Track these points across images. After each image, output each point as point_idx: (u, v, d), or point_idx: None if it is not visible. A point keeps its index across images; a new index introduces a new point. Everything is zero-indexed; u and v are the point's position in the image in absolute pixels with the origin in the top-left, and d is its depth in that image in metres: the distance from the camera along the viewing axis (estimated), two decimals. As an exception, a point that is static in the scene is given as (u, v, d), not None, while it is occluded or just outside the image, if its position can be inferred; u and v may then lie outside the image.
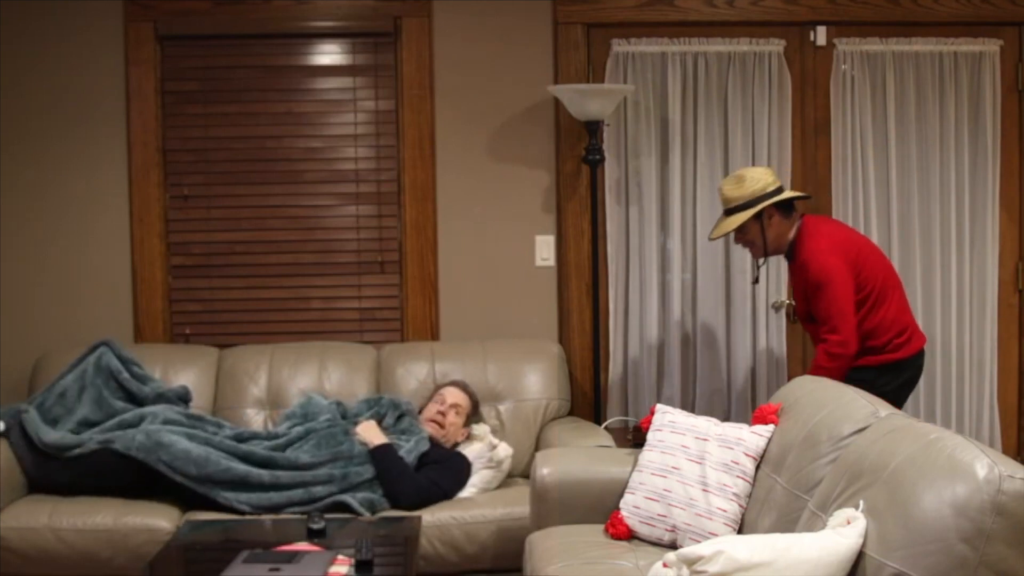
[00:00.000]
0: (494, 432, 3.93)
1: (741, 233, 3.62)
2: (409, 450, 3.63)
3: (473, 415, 3.90)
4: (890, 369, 3.54)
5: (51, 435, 3.58)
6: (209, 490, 3.47)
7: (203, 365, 4.11)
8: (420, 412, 3.90)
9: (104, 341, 3.89)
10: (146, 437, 3.49)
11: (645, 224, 4.35)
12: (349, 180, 4.36)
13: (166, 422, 3.61)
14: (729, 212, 3.59)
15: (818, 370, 3.42)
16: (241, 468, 3.49)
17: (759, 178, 3.55)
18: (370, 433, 3.69)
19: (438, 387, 3.96)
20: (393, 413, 3.85)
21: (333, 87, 4.34)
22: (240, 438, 3.66)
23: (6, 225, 4.27)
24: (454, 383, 3.95)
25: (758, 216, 3.55)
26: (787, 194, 3.58)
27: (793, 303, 4.36)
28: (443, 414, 3.81)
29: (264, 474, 3.50)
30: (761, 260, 3.76)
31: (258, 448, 3.59)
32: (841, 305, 3.45)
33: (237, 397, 4.04)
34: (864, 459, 2.32)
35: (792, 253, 3.61)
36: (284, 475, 3.50)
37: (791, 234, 3.60)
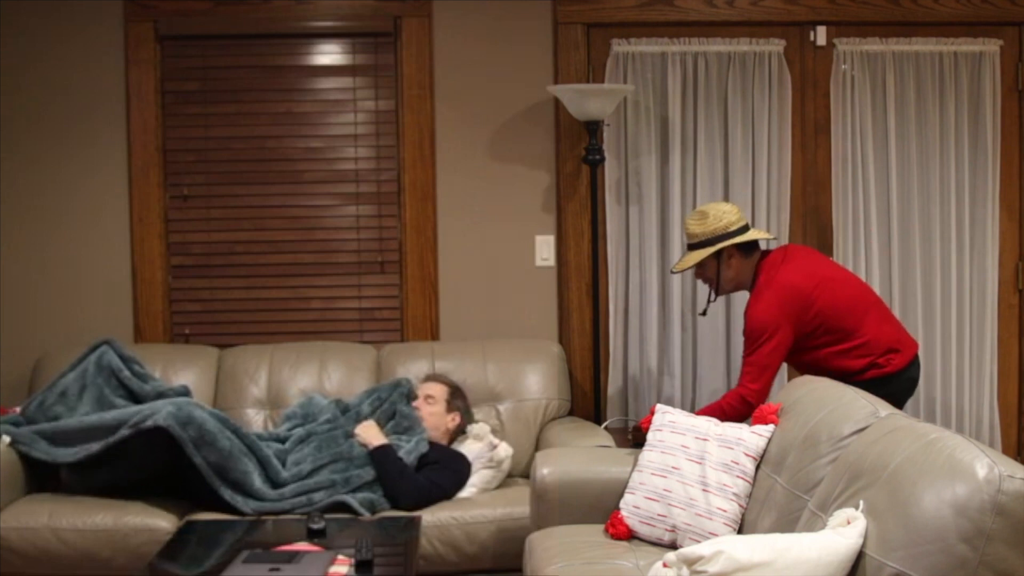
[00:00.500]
0: (494, 432, 3.94)
1: (701, 269, 3.58)
2: (409, 451, 3.63)
3: (454, 399, 3.89)
4: (878, 384, 3.41)
5: (66, 456, 3.56)
6: (218, 484, 3.44)
7: (203, 365, 4.11)
8: None
9: (105, 340, 3.88)
10: (177, 409, 3.44)
11: (645, 224, 4.35)
12: (349, 180, 4.36)
13: None
14: (691, 247, 3.55)
15: (720, 411, 3.35)
16: (256, 480, 3.47)
17: (722, 216, 3.48)
18: (369, 434, 3.69)
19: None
20: (397, 392, 3.84)
21: (333, 87, 4.34)
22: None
23: (6, 225, 4.27)
24: (426, 377, 3.97)
25: (718, 254, 3.51)
26: (749, 235, 3.50)
27: None
28: (418, 408, 3.83)
29: (271, 492, 3.49)
30: (712, 296, 3.68)
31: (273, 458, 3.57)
32: (768, 361, 3.39)
33: (237, 397, 4.04)
34: (864, 459, 2.32)
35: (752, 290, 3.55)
36: (288, 490, 3.50)
37: (751, 273, 3.54)
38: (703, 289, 4.34)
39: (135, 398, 3.79)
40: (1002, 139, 4.40)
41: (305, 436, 3.67)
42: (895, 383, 3.49)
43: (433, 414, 3.83)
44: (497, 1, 4.31)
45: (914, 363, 3.56)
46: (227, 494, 3.44)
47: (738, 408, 3.39)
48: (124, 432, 3.45)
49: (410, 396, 3.88)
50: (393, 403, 3.85)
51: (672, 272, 3.81)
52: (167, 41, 4.28)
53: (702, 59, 4.32)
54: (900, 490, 2.09)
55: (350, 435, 3.68)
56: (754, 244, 3.56)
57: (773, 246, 3.85)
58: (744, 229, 3.51)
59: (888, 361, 3.47)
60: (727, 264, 3.52)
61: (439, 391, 3.88)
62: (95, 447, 3.49)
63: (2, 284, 4.28)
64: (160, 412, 3.43)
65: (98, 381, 3.78)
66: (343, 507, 3.48)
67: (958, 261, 4.40)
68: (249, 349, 4.18)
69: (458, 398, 3.91)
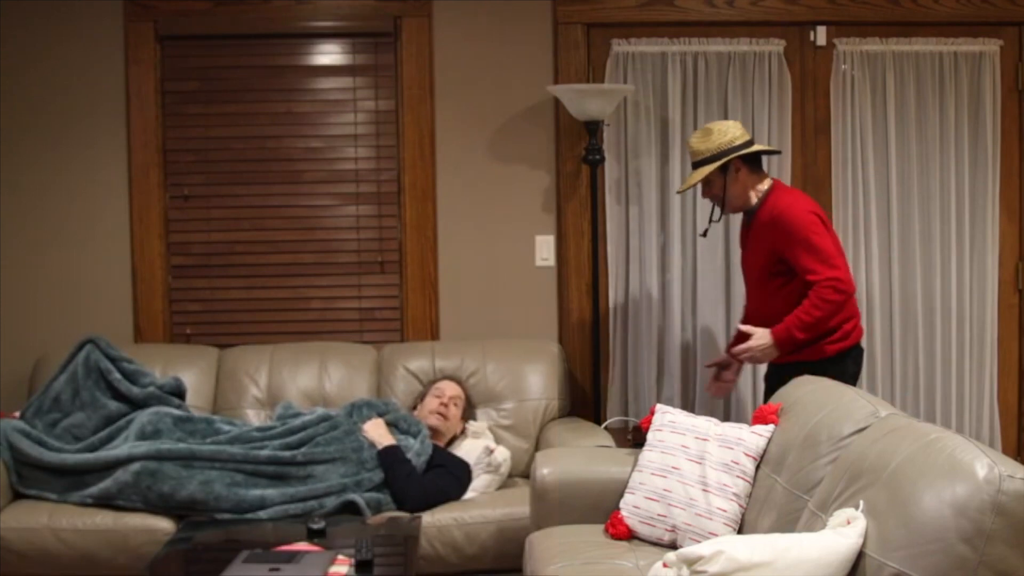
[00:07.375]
0: (492, 432, 3.94)
1: (707, 187, 3.56)
2: (418, 452, 3.62)
3: (469, 407, 3.94)
4: (833, 362, 3.40)
5: (69, 460, 3.56)
6: (225, 515, 3.44)
7: (203, 365, 4.11)
8: (414, 409, 3.91)
9: (89, 339, 3.86)
10: (135, 477, 3.42)
11: (645, 224, 4.35)
12: (349, 180, 4.36)
13: (155, 432, 3.58)
14: (696, 165, 3.53)
15: (814, 310, 3.27)
16: (256, 493, 3.44)
17: (726, 131, 3.49)
18: (378, 432, 3.67)
19: (431, 383, 3.97)
20: (368, 415, 3.80)
21: (333, 87, 4.34)
22: (240, 439, 3.63)
23: (6, 225, 4.27)
24: (448, 377, 3.97)
25: (724, 169, 3.49)
26: (754, 148, 3.51)
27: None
28: (445, 406, 3.83)
29: (276, 495, 3.46)
30: (717, 215, 3.65)
31: (268, 469, 3.53)
32: (831, 248, 3.33)
33: (237, 397, 4.04)
34: (864, 459, 2.32)
35: (757, 210, 3.51)
36: (297, 491, 3.48)
37: (761, 189, 3.51)
38: (704, 289, 4.35)
39: (126, 400, 3.79)
40: (1002, 139, 4.40)
41: (311, 437, 3.62)
42: (853, 361, 3.47)
43: (454, 417, 3.85)
44: (497, 1, 4.31)
45: (862, 346, 3.56)
46: (239, 517, 3.42)
47: (832, 299, 3.27)
48: (89, 498, 3.49)
49: (391, 413, 3.84)
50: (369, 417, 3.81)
51: (677, 192, 3.77)
52: (167, 41, 4.28)
53: (702, 59, 4.32)
54: (900, 490, 2.09)
55: (354, 433, 3.65)
56: (759, 160, 3.55)
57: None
58: (750, 143, 3.51)
59: (853, 328, 3.45)
60: (734, 179, 3.50)
61: (463, 397, 3.91)
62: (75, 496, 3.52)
63: (2, 284, 4.27)
64: (128, 499, 3.43)
65: (88, 384, 3.77)
66: (347, 505, 3.47)
67: (958, 261, 4.40)
68: (249, 349, 4.18)
69: (470, 406, 3.95)
